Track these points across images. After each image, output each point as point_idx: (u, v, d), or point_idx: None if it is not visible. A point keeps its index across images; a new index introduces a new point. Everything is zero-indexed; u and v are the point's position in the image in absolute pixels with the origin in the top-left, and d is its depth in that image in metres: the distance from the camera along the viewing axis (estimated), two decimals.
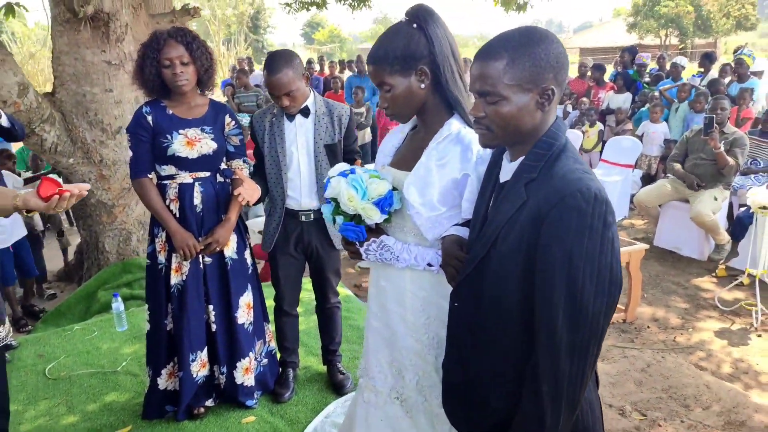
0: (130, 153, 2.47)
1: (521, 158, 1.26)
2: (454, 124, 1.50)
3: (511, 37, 1.21)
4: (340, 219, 1.53)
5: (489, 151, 1.46)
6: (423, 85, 1.48)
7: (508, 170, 1.29)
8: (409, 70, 1.46)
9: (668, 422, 2.74)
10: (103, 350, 3.37)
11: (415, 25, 1.46)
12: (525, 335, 1.22)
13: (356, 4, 8.88)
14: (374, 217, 1.47)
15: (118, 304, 3.62)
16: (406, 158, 1.58)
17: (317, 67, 12.25)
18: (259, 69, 12.82)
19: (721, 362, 3.47)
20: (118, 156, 4.35)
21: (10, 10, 4.77)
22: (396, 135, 1.69)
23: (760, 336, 3.81)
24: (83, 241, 4.78)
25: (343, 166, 1.57)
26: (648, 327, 3.95)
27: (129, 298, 4.08)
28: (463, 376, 1.36)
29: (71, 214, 6.40)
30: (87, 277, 4.61)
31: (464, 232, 1.46)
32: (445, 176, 1.47)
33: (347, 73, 10.92)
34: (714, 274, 4.80)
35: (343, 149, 2.61)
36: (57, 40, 4.09)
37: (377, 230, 1.57)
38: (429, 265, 1.51)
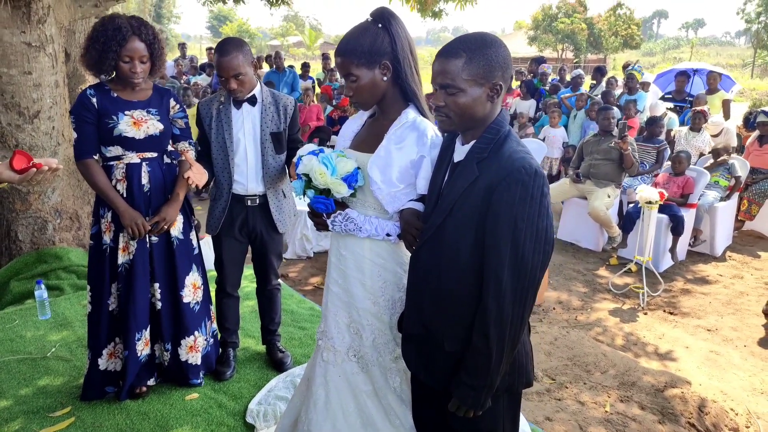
0: (75, 135, 2.48)
1: (473, 142, 1.50)
2: (411, 113, 1.73)
3: (468, 40, 1.45)
4: (311, 193, 1.71)
5: (440, 137, 1.70)
6: (385, 78, 1.69)
7: (461, 152, 1.53)
8: (373, 64, 1.67)
9: (573, 384, 3.13)
10: (27, 338, 3.28)
11: (380, 25, 1.67)
12: (476, 288, 1.46)
13: (275, 1, 8.89)
14: (342, 191, 1.66)
15: (41, 292, 3.52)
16: (366, 142, 1.78)
17: None
18: (170, 60, 12.42)
19: (615, 336, 3.96)
20: (35, 141, 4.18)
21: None
22: (355, 122, 1.88)
23: (646, 314, 4.37)
24: None
25: (311, 146, 1.75)
26: (554, 308, 4.40)
27: (48, 288, 3.94)
28: (421, 328, 1.58)
29: None
30: None
31: (420, 206, 1.68)
32: (404, 157, 1.68)
33: (265, 69, 10.88)
34: (608, 263, 5.39)
35: (288, 138, 2.76)
36: None
37: (342, 204, 1.76)
38: (387, 235, 1.72)
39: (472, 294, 1.47)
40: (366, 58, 1.65)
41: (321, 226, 1.78)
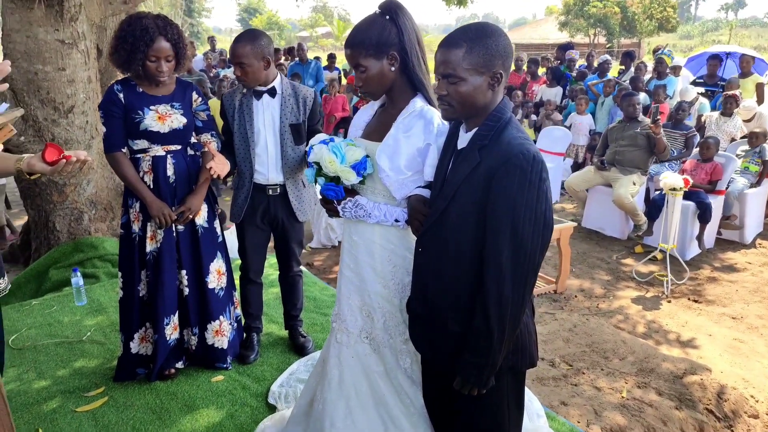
0: (103, 129, 2.60)
1: (475, 129, 1.55)
2: (418, 102, 1.78)
3: (468, 30, 1.49)
4: (321, 180, 1.78)
5: (446, 125, 1.75)
6: (393, 68, 1.75)
7: (464, 139, 1.58)
8: (381, 55, 1.72)
9: (590, 371, 3.15)
10: (65, 323, 3.46)
11: (387, 17, 1.73)
12: (477, 270, 1.51)
13: None
14: (351, 178, 1.73)
15: (77, 279, 3.70)
16: (376, 131, 1.84)
17: None
18: (200, 53, 12.66)
19: (636, 324, 3.95)
20: (69, 135, 4.36)
21: None
22: (366, 112, 1.95)
23: (669, 302, 4.34)
24: (31, 221, 4.75)
25: (322, 136, 1.82)
26: (575, 296, 4.41)
27: (84, 276, 4.13)
28: (426, 309, 1.64)
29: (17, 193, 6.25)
30: (36, 257, 4.60)
31: (426, 193, 1.74)
32: (411, 145, 1.74)
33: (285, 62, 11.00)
34: (632, 251, 5.35)
35: (308, 129, 2.83)
36: (8, 18, 4.05)
37: (352, 192, 1.83)
38: (396, 220, 1.79)
39: (474, 275, 1.52)
40: (374, 49, 1.71)
41: (332, 212, 1.85)
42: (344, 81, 10.45)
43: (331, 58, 10.59)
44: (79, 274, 3.73)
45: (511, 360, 1.59)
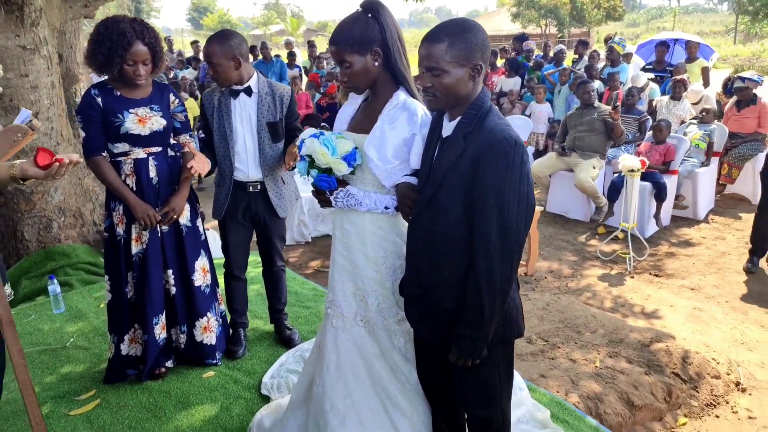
0: (82, 134, 2.61)
1: (459, 118, 1.66)
2: (401, 95, 1.88)
3: (449, 26, 1.60)
4: (314, 172, 1.86)
5: (429, 116, 1.86)
6: (376, 63, 1.84)
7: (449, 127, 1.69)
8: (365, 51, 1.82)
9: (565, 345, 3.33)
10: (45, 330, 3.43)
11: (369, 15, 1.82)
12: (467, 249, 1.62)
13: None
14: (343, 169, 1.82)
15: (54, 287, 3.67)
16: (362, 124, 1.94)
17: None
18: None
19: (604, 299, 4.17)
20: (35, 142, 4.28)
21: None
22: (350, 106, 2.04)
23: (633, 278, 4.58)
24: None
25: (311, 130, 1.90)
26: (545, 277, 4.60)
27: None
28: (420, 289, 1.75)
29: None
30: (5, 267, 4.51)
31: (414, 180, 1.85)
32: (397, 136, 1.84)
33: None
34: (596, 232, 5.60)
35: (285, 126, 2.89)
36: None
37: (343, 182, 1.92)
38: (386, 207, 1.89)
39: (464, 255, 1.64)
40: (358, 45, 1.80)
41: (324, 203, 1.94)
42: (306, 79, 10.45)
43: (292, 56, 10.57)
44: (56, 281, 3.70)
45: (501, 331, 1.71)
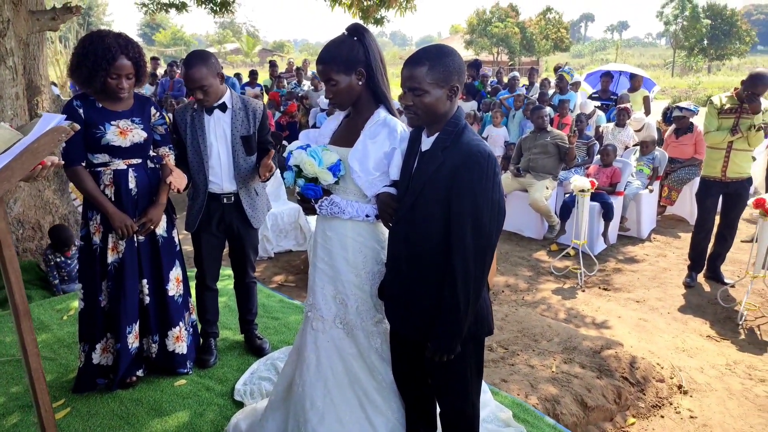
0: (62, 144, 2.64)
1: (437, 134, 1.83)
2: (382, 113, 2.04)
3: (430, 51, 1.78)
4: (301, 181, 1.99)
5: (407, 132, 2.02)
6: (360, 82, 2.00)
7: (427, 142, 1.86)
8: (350, 71, 1.97)
9: (524, 352, 3.52)
10: (7, 342, 3.37)
11: (355, 38, 1.98)
12: (443, 252, 1.78)
13: (218, 9, 8.97)
14: (328, 179, 1.96)
15: None
16: (345, 138, 2.08)
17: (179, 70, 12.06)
18: None
19: (558, 311, 4.41)
20: None
21: None
22: (333, 121, 2.18)
23: (584, 291, 4.85)
24: None
25: (298, 143, 2.03)
26: (503, 291, 4.82)
27: None
28: (401, 290, 1.90)
29: None
30: None
31: (393, 191, 2.00)
32: (378, 150, 2.00)
33: None
34: (549, 249, 5.88)
35: (258, 140, 2.99)
36: None
37: (327, 192, 2.05)
38: (366, 215, 2.03)
39: (441, 257, 1.79)
40: (344, 65, 1.96)
41: (309, 210, 2.07)
42: (266, 98, 10.53)
43: (253, 74, 10.66)
44: None
45: (473, 329, 1.87)
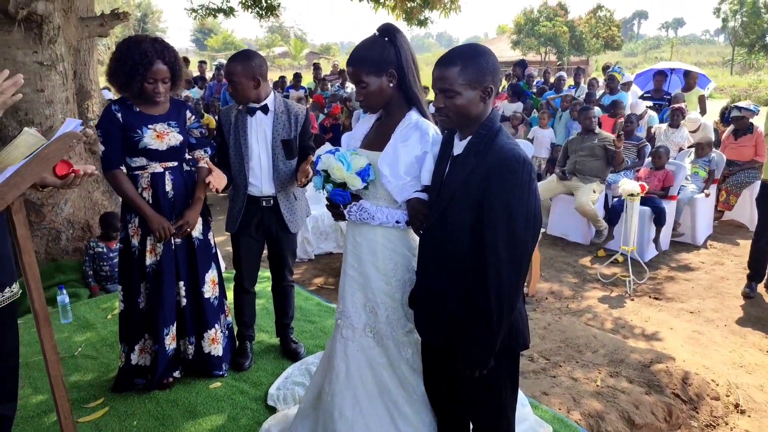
0: (101, 147, 2.69)
1: (470, 137, 1.75)
2: (413, 115, 1.97)
3: (462, 51, 1.70)
4: (329, 186, 1.95)
5: (440, 135, 1.95)
6: (391, 84, 1.94)
7: (460, 146, 1.78)
8: (381, 72, 1.91)
9: (567, 363, 3.38)
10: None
11: (386, 38, 1.92)
12: (476, 261, 1.69)
13: (264, 13, 9.12)
14: (357, 184, 1.91)
15: (63, 297, 3.72)
16: (375, 141, 2.02)
17: None
18: None
19: (604, 320, 4.22)
20: None
21: None
22: (364, 125, 2.13)
23: (633, 300, 4.64)
24: None
25: (327, 147, 1.99)
26: (546, 298, 4.66)
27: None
28: (431, 299, 1.82)
29: None
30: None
31: (424, 196, 1.93)
32: (409, 153, 1.93)
33: None
34: (595, 255, 5.67)
35: (299, 145, 2.98)
36: None
37: (356, 197, 2.00)
38: (397, 222, 1.96)
39: (473, 266, 1.71)
40: (375, 67, 1.90)
41: (338, 216, 2.02)
42: (311, 100, 10.61)
43: (297, 77, 10.76)
44: (65, 291, 3.75)
45: (507, 341, 1.77)
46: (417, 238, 1.96)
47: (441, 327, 1.82)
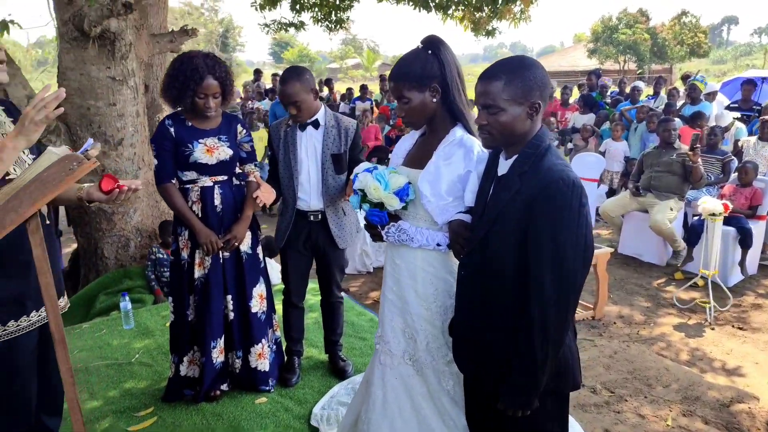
0: (155, 161, 2.75)
1: (515, 156, 1.62)
2: (458, 132, 1.86)
3: (507, 64, 1.57)
4: (366, 206, 1.86)
5: (486, 153, 1.82)
6: (435, 100, 1.84)
7: (504, 166, 1.65)
8: (423, 87, 1.81)
9: (633, 398, 3.11)
10: (114, 345, 3.59)
11: (429, 51, 1.82)
12: (520, 291, 1.55)
13: (333, 26, 9.26)
14: (395, 204, 1.81)
15: (126, 303, 3.85)
16: (418, 158, 1.92)
17: None
18: (238, 87, 13.10)
19: (680, 351, 3.88)
20: (119, 166, 4.58)
21: (4, 26, 4.95)
22: (408, 141, 2.04)
23: (713, 329, 4.25)
24: (80, 248, 4.96)
25: (366, 164, 1.91)
26: (614, 323, 4.35)
27: (131, 301, 4.28)
28: (470, 330, 1.69)
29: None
30: (84, 282, 4.79)
31: (467, 218, 1.80)
32: (452, 172, 1.81)
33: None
34: (672, 277, 5.26)
35: (349, 159, 2.92)
36: (63, 57, 4.32)
37: (395, 217, 1.90)
38: (438, 244, 1.85)
39: (516, 299, 1.57)
40: (417, 81, 1.81)
41: (376, 237, 1.93)
42: (376, 111, 10.64)
43: (364, 89, 10.82)
44: (127, 298, 3.88)
45: (555, 382, 1.61)
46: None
47: (481, 363, 1.68)
